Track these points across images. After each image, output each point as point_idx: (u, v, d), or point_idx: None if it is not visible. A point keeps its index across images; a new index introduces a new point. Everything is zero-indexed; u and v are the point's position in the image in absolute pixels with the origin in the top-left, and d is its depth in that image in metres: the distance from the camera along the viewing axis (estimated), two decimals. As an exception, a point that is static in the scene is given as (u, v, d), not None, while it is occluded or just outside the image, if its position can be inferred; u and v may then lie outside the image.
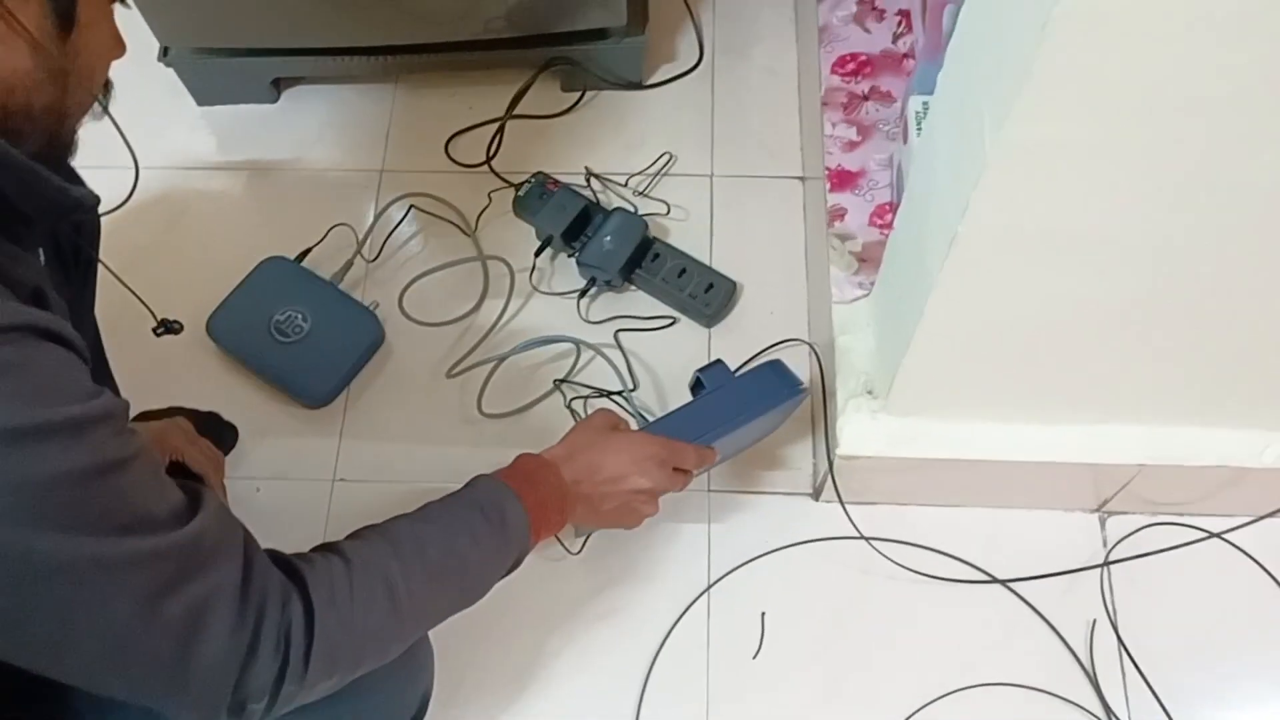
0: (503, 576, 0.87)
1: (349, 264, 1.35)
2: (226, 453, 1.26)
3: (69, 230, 0.85)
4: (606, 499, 0.94)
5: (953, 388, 1.03)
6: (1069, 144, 0.68)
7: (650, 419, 1.11)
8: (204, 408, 1.25)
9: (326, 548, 0.76)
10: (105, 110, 0.74)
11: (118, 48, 0.74)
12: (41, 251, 0.75)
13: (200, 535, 0.65)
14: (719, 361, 1.09)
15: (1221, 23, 0.58)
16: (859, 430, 1.11)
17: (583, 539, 1.16)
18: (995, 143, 0.70)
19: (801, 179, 1.42)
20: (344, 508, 1.23)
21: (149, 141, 1.44)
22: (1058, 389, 1.03)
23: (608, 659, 1.14)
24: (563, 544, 1.14)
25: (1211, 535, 1.18)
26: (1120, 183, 0.71)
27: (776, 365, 1.08)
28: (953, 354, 0.97)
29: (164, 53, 1.42)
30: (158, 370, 1.25)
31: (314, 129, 1.48)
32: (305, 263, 1.35)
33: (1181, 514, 1.20)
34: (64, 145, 0.71)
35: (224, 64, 1.43)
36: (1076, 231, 0.76)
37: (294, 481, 1.24)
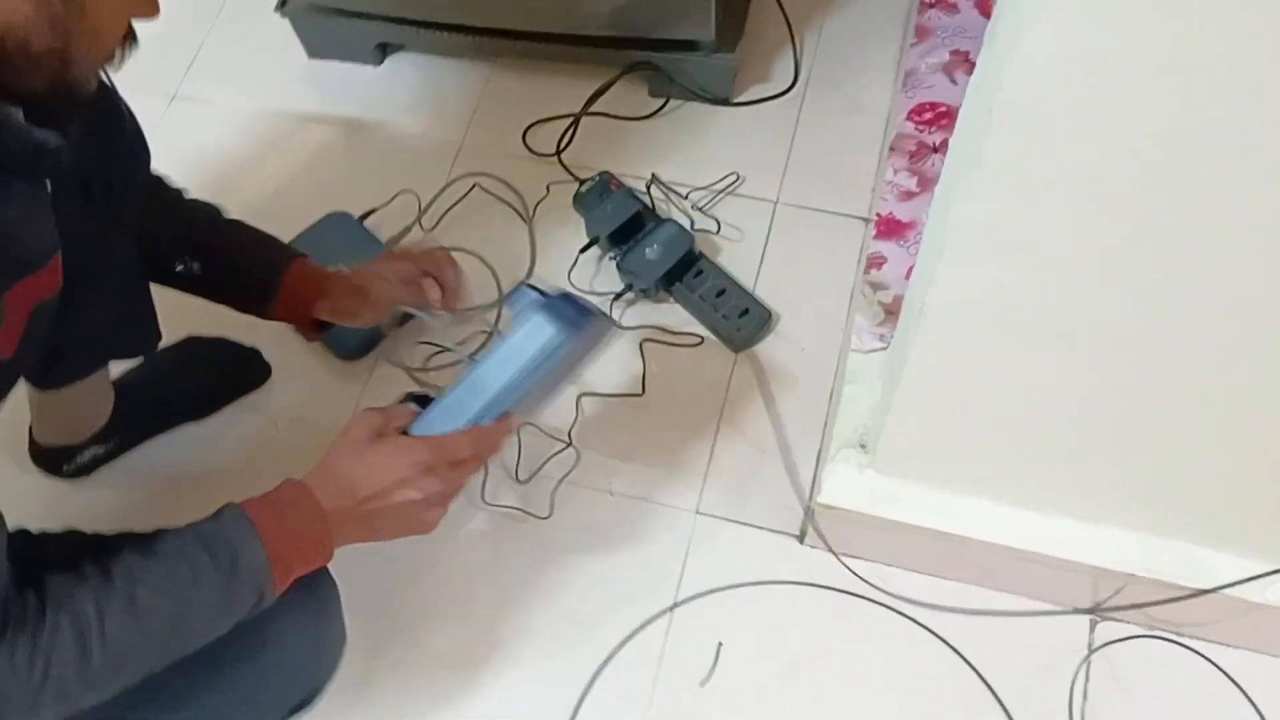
0: (248, 614, 0.81)
1: (406, 230, 1.40)
2: (256, 387, 1.33)
3: (96, 170, 0.91)
4: (374, 517, 0.87)
5: (934, 456, 1.01)
6: (1014, 225, 0.67)
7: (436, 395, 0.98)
8: (247, 344, 1.32)
9: (30, 579, 0.73)
10: (123, 61, 0.77)
11: (143, 6, 0.76)
12: (49, 183, 0.79)
13: None
14: (527, 289, 0.98)
15: (1154, 119, 0.57)
16: (843, 481, 1.09)
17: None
18: (954, 219, 0.69)
19: (866, 221, 1.40)
20: (350, 459, 1.28)
21: (255, 83, 1.56)
22: (1043, 477, 1.00)
23: (555, 659, 1.16)
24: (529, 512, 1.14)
25: (1204, 659, 1.12)
26: (1063, 268, 0.69)
27: (555, 302, 0.94)
28: (930, 422, 0.95)
29: (281, 4, 1.50)
30: (209, 305, 1.32)
31: (408, 96, 1.54)
32: (367, 222, 1.40)
33: (1180, 633, 1.14)
34: (71, 89, 0.73)
35: (333, 22, 1.50)
36: (1031, 315, 0.75)
37: (310, 427, 1.30)
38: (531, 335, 0.91)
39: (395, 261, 1.18)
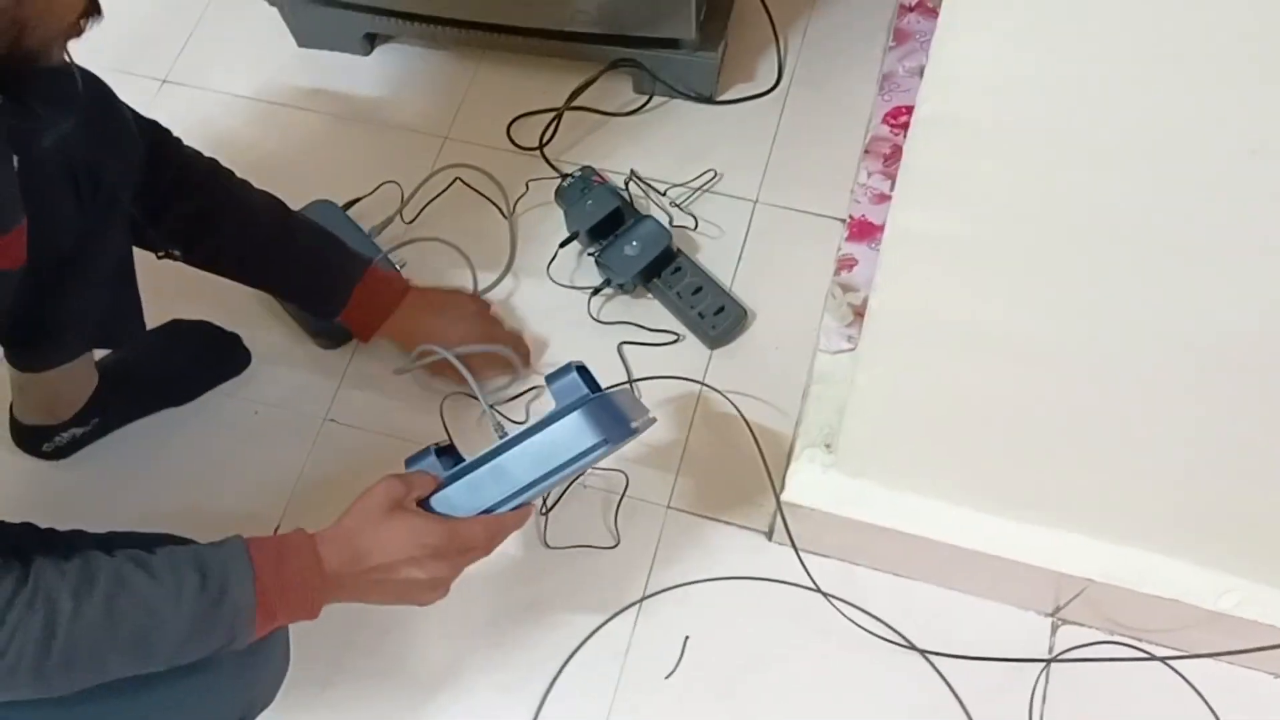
0: (209, 650, 0.81)
1: (388, 221, 1.41)
2: (238, 373, 1.35)
3: (83, 160, 0.92)
4: (375, 588, 0.88)
5: (895, 457, 1.03)
6: (945, 237, 0.68)
7: (466, 459, 0.96)
8: (230, 328, 1.34)
9: (22, 558, 0.74)
10: (84, 31, 0.77)
11: None
12: (15, 158, 0.81)
13: None
14: (575, 371, 0.95)
15: (1064, 138, 0.58)
16: (807, 480, 1.11)
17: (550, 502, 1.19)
18: (890, 227, 0.70)
19: (844, 222, 1.41)
20: (326, 446, 1.30)
21: (243, 71, 1.57)
22: (1001, 482, 1.01)
23: (520, 652, 1.17)
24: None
25: (1156, 659, 1.13)
26: (993, 278, 0.71)
27: (601, 405, 0.92)
28: (889, 424, 0.96)
29: (270, -8, 1.51)
30: (193, 289, 1.33)
31: (395, 87, 1.55)
32: (351, 211, 1.41)
33: (1139, 639, 1.16)
34: (28, 55, 0.74)
35: (321, 12, 1.51)
36: (969, 323, 0.76)
37: (289, 412, 1.32)
38: (572, 437, 0.90)
39: (478, 324, 1.24)
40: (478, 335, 1.23)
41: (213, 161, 1.15)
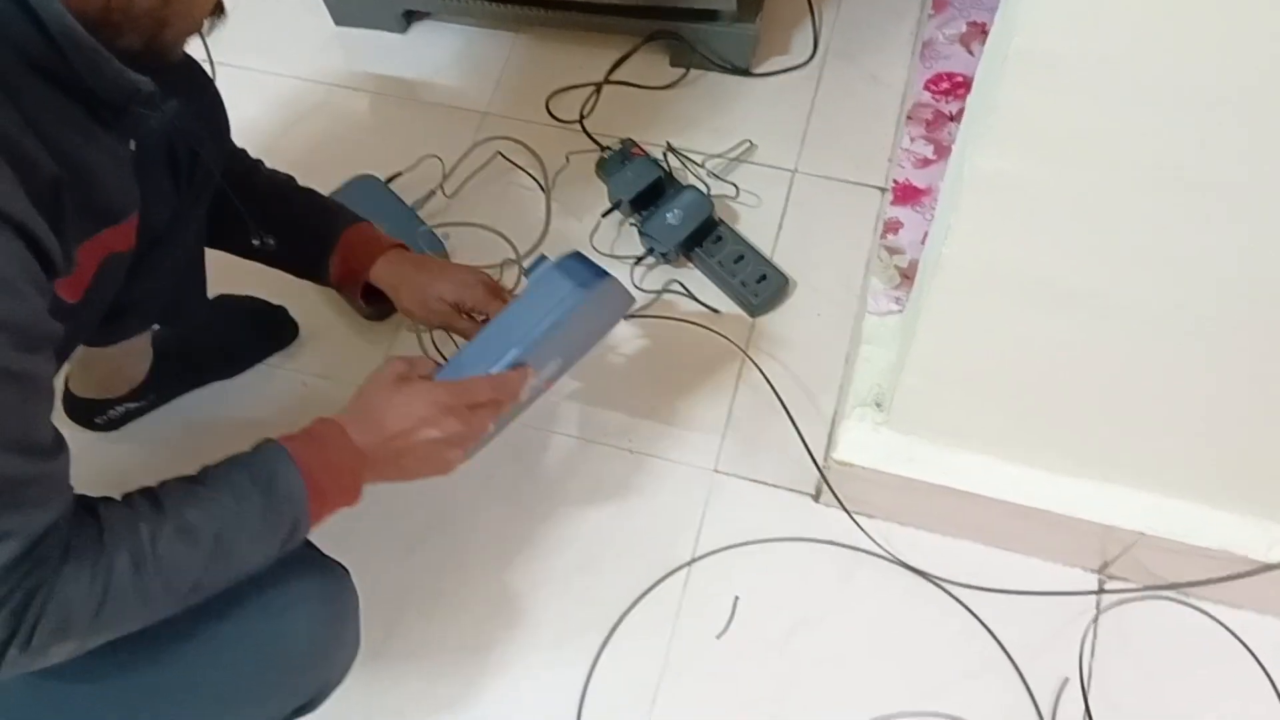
0: (281, 546, 0.84)
1: (430, 194, 1.42)
2: (285, 345, 1.36)
3: (185, 139, 0.95)
4: (402, 455, 0.91)
5: (947, 414, 1.04)
6: (1028, 181, 0.68)
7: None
8: (275, 301, 1.35)
9: (86, 507, 0.75)
10: (210, 30, 0.81)
11: None
12: (133, 142, 0.83)
13: (43, 477, 0.70)
14: (544, 258, 1.03)
15: (1170, 73, 0.58)
16: (858, 439, 1.12)
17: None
18: (968, 172, 0.71)
19: (882, 190, 1.42)
20: (375, 417, 1.30)
21: (283, 51, 1.58)
22: (1055, 438, 1.02)
23: (574, 611, 1.19)
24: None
25: (1212, 619, 1.14)
26: (1075, 227, 0.71)
27: (570, 261, 1.00)
28: (943, 380, 0.97)
29: (309, -29, 1.52)
30: (235, 264, 1.34)
31: (433, 63, 1.56)
32: (393, 185, 1.43)
33: (1188, 594, 1.17)
34: (162, 50, 0.78)
35: (360, -11, 1.52)
36: (1041, 273, 0.76)
37: (337, 383, 1.33)
38: (546, 291, 0.98)
39: (458, 276, 1.17)
40: (461, 294, 1.15)
41: None
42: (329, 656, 0.96)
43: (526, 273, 1.02)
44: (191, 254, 1.06)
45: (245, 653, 0.89)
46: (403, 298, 1.13)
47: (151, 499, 0.78)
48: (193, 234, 1.04)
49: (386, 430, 0.90)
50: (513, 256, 1.38)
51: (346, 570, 0.95)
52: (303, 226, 1.14)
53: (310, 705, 0.99)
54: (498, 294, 1.13)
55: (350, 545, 1.02)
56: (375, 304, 1.18)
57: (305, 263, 1.16)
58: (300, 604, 0.90)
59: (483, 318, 1.11)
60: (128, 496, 0.79)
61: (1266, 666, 1.13)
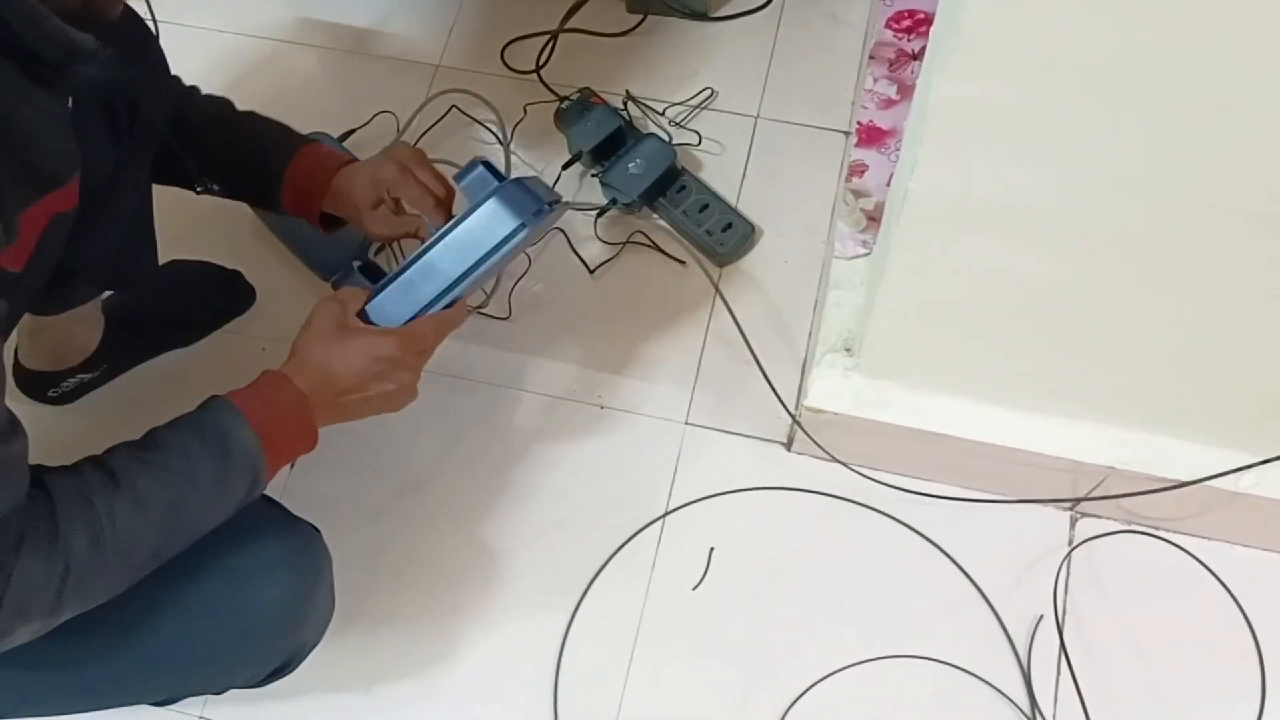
0: (240, 502, 0.85)
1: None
2: (242, 312, 1.33)
3: (124, 91, 0.92)
4: (351, 407, 0.92)
5: (917, 355, 1.04)
6: (994, 106, 0.68)
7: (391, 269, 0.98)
8: (230, 266, 1.32)
9: (34, 482, 0.74)
10: None
11: None
12: (70, 100, 0.80)
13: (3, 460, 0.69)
14: (482, 165, 0.97)
15: None
16: (828, 385, 1.11)
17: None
18: (934, 102, 0.70)
19: (846, 134, 1.41)
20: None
21: (232, 7, 1.54)
22: (1025, 374, 1.02)
23: (549, 569, 1.19)
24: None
25: (1184, 551, 1.16)
26: (1045, 154, 0.70)
27: (514, 189, 0.95)
28: (913, 318, 0.97)
29: (251, -77, 1.48)
30: (194, 226, 1.32)
31: (382, 16, 1.53)
32: (347, 143, 1.40)
33: (1158, 528, 1.18)
34: (100, 6, 0.77)
35: (305, -59, 1.48)
36: (1012, 203, 0.76)
37: (296, 347, 1.31)
38: (489, 226, 0.93)
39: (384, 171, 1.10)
40: (400, 175, 1.07)
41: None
42: (302, 620, 0.96)
43: (458, 179, 0.98)
44: (138, 210, 1.03)
45: (216, 621, 0.89)
46: (357, 220, 1.09)
47: (103, 470, 0.77)
48: (136, 188, 1.00)
49: (337, 386, 0.89)
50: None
51: (317, 530, 0.95)
52: (247, 164, 1.11)
53: (287, 667, 1.00)
54: (423, 184, 1.05)
55: (319, 510, 1.01)
56: (338, 224, 1.14)
57: (255, 200, 1.15)
58: (270, 569, 0.90)
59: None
60: (75, 467, 0.77)
61: (1237, 596, 1.15)
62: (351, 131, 1.41)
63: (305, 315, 1.29)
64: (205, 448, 0.81)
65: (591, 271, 1.33)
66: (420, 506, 1.22)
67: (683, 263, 1.33)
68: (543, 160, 1.40)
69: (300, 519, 0.96)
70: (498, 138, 1.42)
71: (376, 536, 1.20)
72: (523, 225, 0.93)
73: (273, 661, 0.98)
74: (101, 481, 0.76)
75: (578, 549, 1.19)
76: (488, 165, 0.97)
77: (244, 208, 1.36)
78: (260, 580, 0.90)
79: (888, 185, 1.20)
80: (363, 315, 0.94)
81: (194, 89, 1.13)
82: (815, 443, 1.15)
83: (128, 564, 0.76)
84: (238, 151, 1.10)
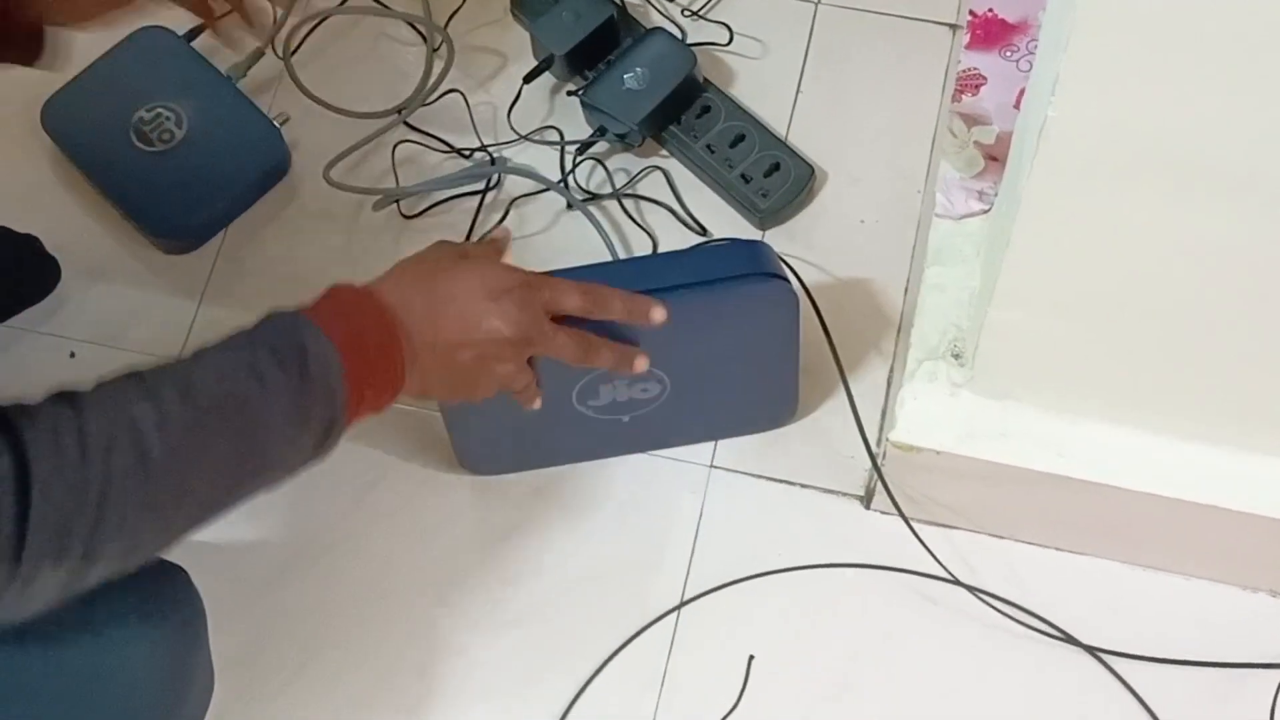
0: (315, 449, 0.89)
1: (257, 54, 1.40)
2: (42, 297, 1.34)
3: None
4: (456, 348, 0.96)
5: (1061, 366, 1.05)
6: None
7: None
8: (19, 228, 1.33)
9: (59, 396, 0.79)
10: None
11: None
12: None
13: None
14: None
15: None
16: (926, 408, 1.12)
17: None
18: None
19: (953, 27, 1.42)
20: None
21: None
22: (1226, 396, 1.02)
23: (511, 680, 1.20)
24: None
25: None
26: (1252, 72, 0.71)
27: (756, 245, 1.09)
28: (1054, 312, 0.97)
29: None
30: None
31: None
32: (196, 44, 1.41)
33: None
34: None
35: None
36: (1199, 146, 0.77)
37: (123, 353, 1.33)
38: (726, 257, 1.13)
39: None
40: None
41: None
42: (177, 693, 0.98)
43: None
44: None
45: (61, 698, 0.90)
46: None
47: (143, 378, 0.81)
48: None
49: (446, 306, 0.95)
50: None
51: (186, 573, 0.97)
52: None
53: None
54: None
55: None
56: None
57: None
58: (130, 629, 0.92)
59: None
60: (102, 382, 0.81)
61: None
62: (203, 27, 1.40)
63: (136, 304, 1.34)
64: (276, 359, 0.85)
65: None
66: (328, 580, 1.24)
67: (704, 230, 1.34)
68: (493, 68, 1.42)
69: (165, 560, 0.95)
70: (421, 34, 1.43)
71: (308, 613, 1.23)
72: (772, 279, 1.09)
73: None
74: (141, 385, 0.80)
75: (553, 653, 1.20)
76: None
77: (42, 139, 1.37)
78: (117, 646, 0.91)
79: (1015, 107, 1.21)
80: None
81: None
82: (906, 496, 1.16)
83: (182, 489, 0.80)
84: None
